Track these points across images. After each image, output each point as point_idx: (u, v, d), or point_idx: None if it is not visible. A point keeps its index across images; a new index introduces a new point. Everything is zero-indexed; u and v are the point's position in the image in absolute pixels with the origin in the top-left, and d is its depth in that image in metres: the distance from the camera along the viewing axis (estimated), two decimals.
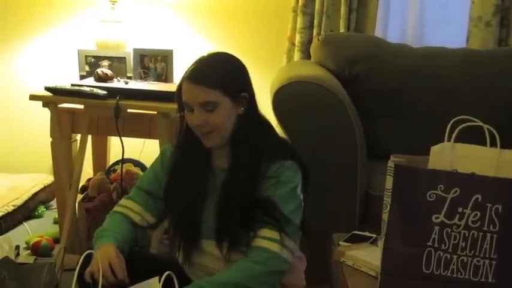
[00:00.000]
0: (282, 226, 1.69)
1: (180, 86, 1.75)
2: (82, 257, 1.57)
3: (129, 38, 3.17)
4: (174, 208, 1.84)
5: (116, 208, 1.93)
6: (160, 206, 1.87)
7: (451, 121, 1.55)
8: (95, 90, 2.55)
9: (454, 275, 1.46)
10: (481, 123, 1.54)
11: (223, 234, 1.75)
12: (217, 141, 1.76)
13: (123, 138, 2.56)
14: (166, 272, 1.51)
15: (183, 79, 1.73)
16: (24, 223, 3.24)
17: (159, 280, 1.52)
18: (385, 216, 1.52)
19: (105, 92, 2.53)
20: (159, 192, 1.86)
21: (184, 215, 1.81)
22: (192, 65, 1.75)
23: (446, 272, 1.46)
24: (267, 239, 1.69)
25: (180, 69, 2.91)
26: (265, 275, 1.68)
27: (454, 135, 1.55)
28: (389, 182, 1.51)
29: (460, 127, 1.53)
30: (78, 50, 2.98)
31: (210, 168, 1.81)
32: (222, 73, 1.74)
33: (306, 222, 1.80)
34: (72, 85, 2.62)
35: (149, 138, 2.82)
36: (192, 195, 1.79)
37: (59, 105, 2.70)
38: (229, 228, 1.73)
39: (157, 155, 1.95)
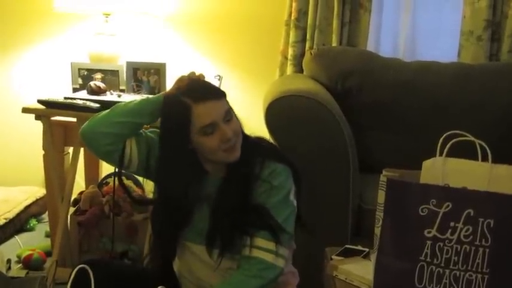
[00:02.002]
0: (276, 235, 1.70)
1: (187, 118, 1.69)
2: (74, 271, 1.56)
3: (122, 51, 3.17)
4: (159, 209, 1.85)
5: None
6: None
7: (443, 136, 1.55)
8: (88, 103, 2.55)
9: None
10: (472, 138, 1.55)
11: (216, 237, 1.75)
12: (240, 150, 1.75)
13: None
14: (159, 287, 1.50)
15: (193, 105, 1.67)
16: (15, 236, 3.23)
17: None
18: (377, 230, 1.52)
19: (98, 105, 2.53)
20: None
21: (175, 218, 1.81)
22: (188, 93, 1.70)
23: (438, 286, 1.47)
24: (262, 250, 1.70)
25: (172, 82, 2.93)
26: (261, 287, 1.70)
27: (445, 150, 1.55)
28: (381, 197, 1.52)
29: (451, 142, 1.54)
30: (71, 63, 2.98)
31: (204, 178, 1.81)
32: (212, 84, 1.80)
33: (302, 217, 1.83)
34: (65, 98, 2.62)
35: None
36: (185, 203, 1.78)
37: (52, 118, 2.69)
38: (223, 230, 1.74)
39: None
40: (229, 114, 1.72)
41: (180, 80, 1.76)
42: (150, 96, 1.85)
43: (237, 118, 1.78)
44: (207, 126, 1.68)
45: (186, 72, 1.79)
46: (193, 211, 1.80)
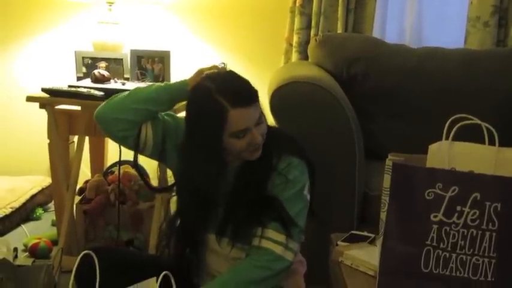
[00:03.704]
0: (287, 228, 1.70)
1: (223, 120, 1.64)
2: (79, 257, 1.56)
3: (126, 40, 3.16)
4: (185, 200, 1.84)
5: None
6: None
7: (450, 119, 1.54)
8: (92, 91, 2.54)
9: (453, 274, 1.45)
10: (479, 122, 1.53)
11: (228, 225, 1.75)
12: (262, 148, 1.73)
13: None
14: (164, 272, 1.50)
15: (231, 109, 1.62)
16: (22, 225, 3.23)
17: (156, 281, 1.51)
18: (383, 215, 1.52)
19: (102, 93, 2.53)
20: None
21: (193, 209, 1.80)
22: (224, 93, 1.64)
23: (445, 270, 1.46)
24: (272, 241, 1.70)
25: (177, 70, 2.93)
26: (267, 279, 1.70)
27: (452, 134, 1.54)
28: (387, 181, 1.51)
29: (458, 125, 1.52)
30: (75, 52, 2.97)
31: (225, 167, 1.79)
32: (248, 82, 1.72)
33: (314, 212, 1.84)
34: (69, 86, 2.62)
35: None
36: (205, 191, 1.77)
37: (56, 107, 2.69)
38: (236, 220, 1.74)
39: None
40: (261, 118, 1.70)
41: (201, 71, 1.75)
42: (169, 83, 1.84)
43: (264, 117, 1.75)
44: (241, 131, 1.66)
45: (205, 65, 1.78)
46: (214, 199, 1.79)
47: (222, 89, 1.64)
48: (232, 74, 1.74)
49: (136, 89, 1.83)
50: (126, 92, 1.82)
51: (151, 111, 1.80)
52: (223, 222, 1.77)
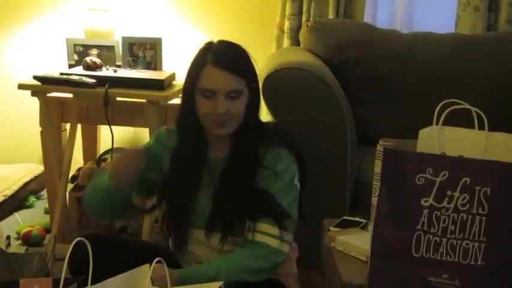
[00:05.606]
0: (281, 221, 1.71)
1: (198, 71, 1.71)
2: (72, 244, 1.56)
3: (118, 27, 3.15)
4: (169, 198, 1.86)
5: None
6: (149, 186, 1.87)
7: (439, 104, 1.54)
8: (84, 78, 2.54)
9: (444, 258, 1.46)
10: (469, 106, 1.54)
11: (216, 221, 1.76)
12: (230, 130, 1.74)
13: (112, 126, 2.55)
14: (157, 258, 1.50)
15: (209, 64, 1.69)
16: (14, 213, 3.23)
17: (150, 267, 1.52)
18: (374, 200, 1.53)
19: (94, 81, 2.53)
20: (149, 174, 1.85)
21: (177, 205, 1.83)
22: (214, 51, 1.72)
23: (435, 255, 1.46)
24: (267, 235, 1.71)
25: (169, 57, 2.92)
26: (263, 270, 1.72)
27: (442, 119, 1.55)
28: (378, 166, 1.51)
29: (448, 110, 1.53)
30: (67, 39, 2.96)
31: (206, 161, 1.81)
32: (248, 62, 1.77)
33: (303, 209, 1.84)
34: (61, 74, 2.62)
35: (139, 126, 2.81)
36: (186, 187, 1.80)
37: (48, 94, 2.69)
38: (225, 215, 1.74)
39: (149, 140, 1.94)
40: (236, 93, 1.70)
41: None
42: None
43: (253, 109, 1.78)
44: (206, 90, 1.69)
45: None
46: (199, 196, 1.80)
47: (214, 48, 1.73)
48: (236, 45, 1.78)
49: (93, 185, 1.87)
50: (90, 188, 1.87)
51: (124, 194, 1.81)
52: (211, 216, 1.77)
